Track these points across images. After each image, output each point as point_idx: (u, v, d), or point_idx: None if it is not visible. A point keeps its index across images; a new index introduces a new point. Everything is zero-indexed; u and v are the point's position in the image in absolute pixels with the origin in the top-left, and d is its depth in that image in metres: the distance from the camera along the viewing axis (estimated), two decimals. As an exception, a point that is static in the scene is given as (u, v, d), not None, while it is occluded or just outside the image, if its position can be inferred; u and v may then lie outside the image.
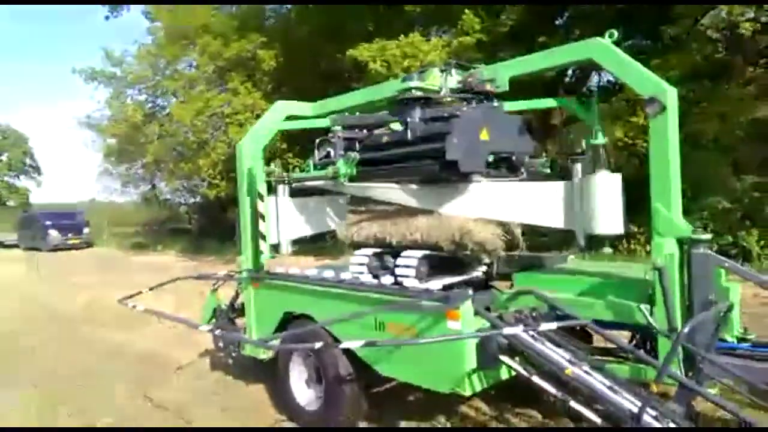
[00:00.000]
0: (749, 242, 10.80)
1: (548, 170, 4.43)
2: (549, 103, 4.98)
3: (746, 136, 12.13)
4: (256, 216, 4.94)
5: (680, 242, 3.48)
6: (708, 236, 3.44)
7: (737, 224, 11.42)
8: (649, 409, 2.92)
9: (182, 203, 29.33)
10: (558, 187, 3.93)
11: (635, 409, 2.87)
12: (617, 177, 3.74)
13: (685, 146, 11.45)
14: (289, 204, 5.23)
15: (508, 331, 3.18)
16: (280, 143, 14.47)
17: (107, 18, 20.67)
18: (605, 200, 3.66)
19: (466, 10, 11.88)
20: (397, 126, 4.41)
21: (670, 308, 3.37)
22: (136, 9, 23.96)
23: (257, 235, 4.99)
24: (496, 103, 4.24)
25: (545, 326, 3.18)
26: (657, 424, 2.89)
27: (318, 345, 3.29)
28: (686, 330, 3.08)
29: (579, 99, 4.80)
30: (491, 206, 4.11)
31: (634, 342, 4.00)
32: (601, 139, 3.87)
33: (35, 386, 5.89)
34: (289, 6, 16.03)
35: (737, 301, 3.86)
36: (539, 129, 15.39)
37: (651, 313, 3.51)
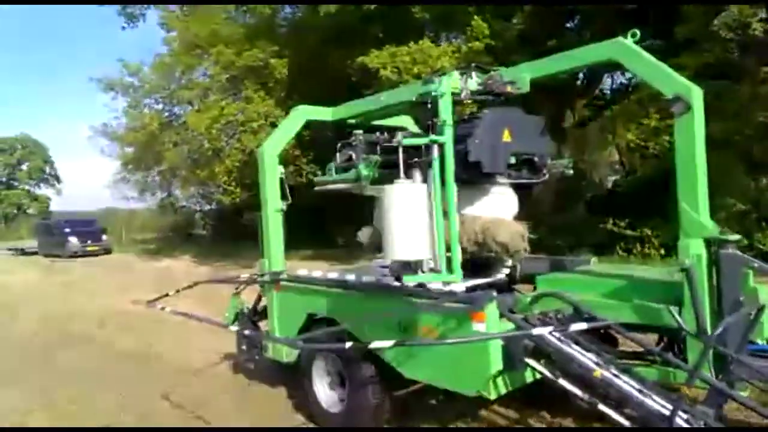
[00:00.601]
0: (766, 244, 10.65)
1: (571, 171, 4.38)
2: None
3: (761, 136, 11.98)
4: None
5: (708, 243, 3.41)
6: (736, 236, 3.37)
7: (754, 226, 11.26)
8: (680, 412, 2.85)
9: (197, 210, 29.51)
10: None
11: (666, 412, 2.79)
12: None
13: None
14: None
15: (537, 332, 3.11)
16: (292, 150, 14.50)
17: (124, 28, 20.93)
18: None
19: (476, 16, 11.87)
20: (417, 129, 4.38)
21: (699, 310, 3.28)
22: (153, 19, 24.22)
23: (279, 239, 4.99)
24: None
25: (574, 327, 3.11)
26: (689, 426, 2.82)
27: (348, 345, 3.25)
28: (718, 332, 3.01)
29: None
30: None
31: (661, 345, 3.91)
32: None
33: (59, 387, 5.90)
34: (299, 13, 16.11)
35: (766, 302, 3.78)
36: (550, 131, 15.38)
37: (680, 315, 3.44)
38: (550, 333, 3.38)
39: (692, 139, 3.43)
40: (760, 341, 3.77)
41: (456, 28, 13.28)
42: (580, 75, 14.31)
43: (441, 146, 3.53)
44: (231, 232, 23.86)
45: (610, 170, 18.88)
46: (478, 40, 11.66)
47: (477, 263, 4.24)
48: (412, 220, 3.50)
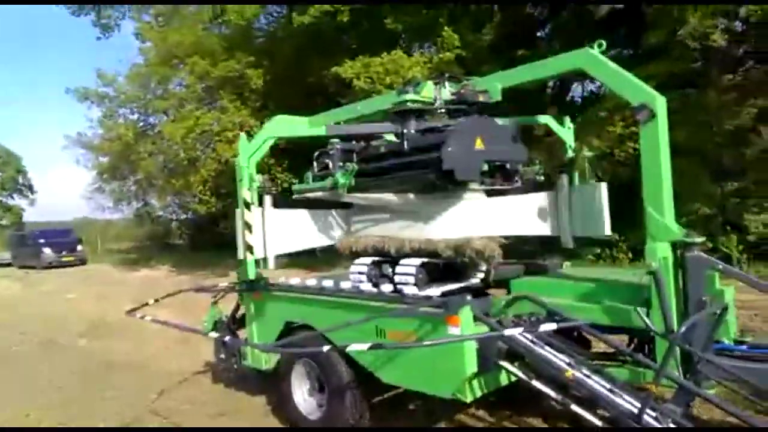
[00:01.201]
0: (730, 247, 10.91)
1: (542, 178, 4.45)
2: (531, 120, 5.30)
3: (725, 143, 12.32)
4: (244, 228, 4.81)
5: (674, 246, 3.49)
6: (701, 239, 3.45)
7: (718, 230, 11.54)
8: (649, 410, 2.89)
9: (174, 219, 29.06)
10: (545, 197, 4.25)
11: (635, 410, 2.84)
12: (603, 185, 3.99)
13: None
14: (277, 217, 4.95)
15: (509, 332, 3.14)
16: (268, 158, 14.39)
17: (99, 39, 20.62)
18: (595, 206, 3.73)
19: (446, 27, 12.01)
20: (392, 137, 4.40)
21: (666, 311, 3.35)
22: (128, 29, 23.93)
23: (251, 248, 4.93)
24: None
25: (544, 327, 3.15)
26: (657, 425, 2.87)
27: (326, 348, 3.23)
28: (682, 330, 3.07)
29: (555, 117, 5.10)
30: (484, 221, 4.20)
31: (632, 345, 3.98)
32: (587, 152, 4.04)
33: (40, 394, 5.77)
34: (275, 24, 16.10)
35: (731, 303, 3.88)
36: (523, 139, 15.59)
37: (647, 316, 3.50)
38: (522, 334, 3.42)
39: (657, 146, 3.51)
40: (726, 340, 3.88)
41: (428, 38, 13.41)
42: (551, 83, 14.57)
43: None
44: (208, 242, 23.56)
45: (582, 177, 19.27)
46: (449, 51, 11.77)
47: (451, 268, 4.27)
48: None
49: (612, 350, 3.76)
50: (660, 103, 3.52)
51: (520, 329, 3.20)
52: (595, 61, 3.79)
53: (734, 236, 10.91)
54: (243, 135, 4.99)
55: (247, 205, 4.63)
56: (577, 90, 16.43)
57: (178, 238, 30.06)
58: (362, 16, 12.77)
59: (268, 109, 15.74)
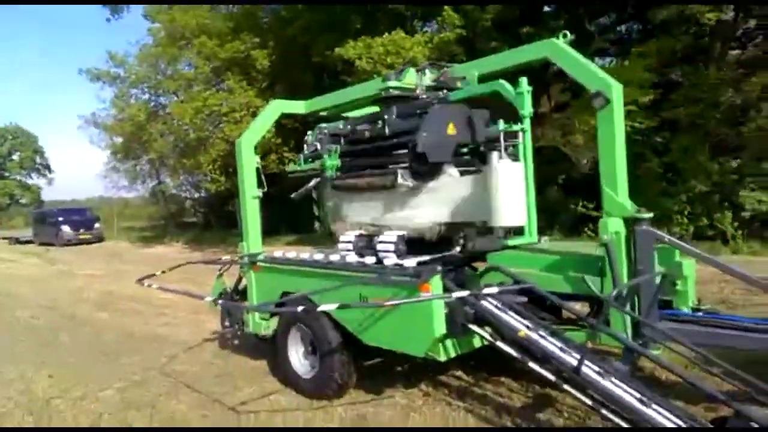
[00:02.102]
0: (724, 224, 11.14)
1: (518, 160, 4.78)
2: (482, 89, 4.54)
3: (726, 119, 12.42)
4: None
5: (626, 221, 3.86)
6: (649, 215, 3.78)
7: (716, 207, 11.74)
8: (591, 365, 3.30)
9: (187, 197, 29.76)
10: (468, 180, 4.22)
11: (575, 364, 3.26)
12: (518, 165, 4.00)
13: (664, 131, 11.88)
14: None
15: (455, 294, 3.57)
16: (274, 139, 14.80)
17: (108, 20, 21.01)
18: (506, 191, 3.88)
19: (446, 7, 12.14)
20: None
21: (617, 279, 3.73)
22: (137, 10, 24.22)
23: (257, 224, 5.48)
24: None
25: (487, 290, 3.60)
26: (599, 378, 3.27)
27: (300, 308, 3.71)
28: (613, 293, 3.47)
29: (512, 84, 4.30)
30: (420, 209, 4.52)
31: (591, 311, 4.37)
32: (514, 126, 4.03)
33: (61, 367, 6.30)
34: (279, 5, 16.29)
35: (691, 275, 4.23)
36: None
37: (601, 284, 3.89)
38: (489, 300, 3.86)
39: (612, 130, 3.82)
40: (684, 308, 4.26)
41: (430, 18, 13.56)
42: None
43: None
44: (221, 219, 24.18)
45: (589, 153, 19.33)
46: (450, 31, 11.96)
47: (430, 241, 4.67)
48: (516, 191, 3.90)
49: (574, 317, 4.17)
50: (616, 90, 3.81)
51: (467, 292, 3.62)
52: (559, 50, 4.09)
53: (729, 213, 11.12)
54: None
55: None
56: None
57: (192, 216, 30.76)
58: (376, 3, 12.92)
59: (274, 89, 16.08)
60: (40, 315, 9.42)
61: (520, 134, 4.05)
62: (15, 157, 56.79)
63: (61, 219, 26.02)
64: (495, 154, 3.99)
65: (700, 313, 4.21)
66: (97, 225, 27.25)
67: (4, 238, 29.62)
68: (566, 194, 14.97)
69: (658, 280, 3.74)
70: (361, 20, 13.47)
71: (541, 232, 4.93)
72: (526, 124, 4.08)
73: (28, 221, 33.55)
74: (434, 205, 4.48)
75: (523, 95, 4.08)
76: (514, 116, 4.14)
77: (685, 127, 12.46)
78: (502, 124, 4.01)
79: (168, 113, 18.27)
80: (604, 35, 15.53)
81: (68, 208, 30.50)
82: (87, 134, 50.45)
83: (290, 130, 14.52)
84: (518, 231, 4.29)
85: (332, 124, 5.25)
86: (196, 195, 27.89)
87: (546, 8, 15.64)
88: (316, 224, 5.79)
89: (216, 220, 24.70)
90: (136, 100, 20.46)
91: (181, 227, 28.34)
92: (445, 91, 4.68)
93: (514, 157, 4.05)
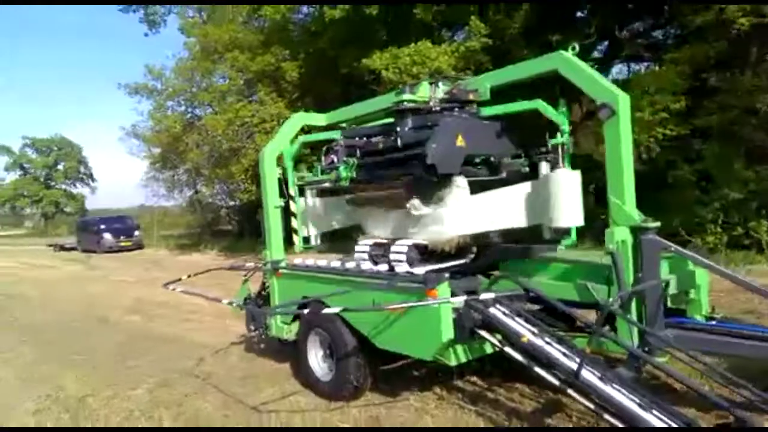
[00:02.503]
0: (760, 233, 10.87)
1: (527, 169, 4.89)
2: (522, 106, 4.85)
3: (760, 126, 12.12)
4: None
5: (633, 230, 3.93)
6: (656, 224, 3.84)
7: (752, 215, 11.46)
8: (591, 370, 3.40)
9: (222, 206, 30.51)
10: (523, 187, 4.44)
11: (575, 367, 3.35)
12: (576, 174, 4.18)
13: (696, 139, 11.63)
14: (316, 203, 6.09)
15: (455, 300, 3.75)
16: (304, 148, 15.11)
17: (146, 35, 21.93)
18: (566, 195, 4.09)
19: (473, 17, 12.22)
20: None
21: (622, 287, 3.81)
22: (173, 25, 25.16)
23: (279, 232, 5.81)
24: (474, 110, 4.76)
25: (484, 296, 3.79)
26: (598, 383, 3.36)
27: (306, 311, 3.94)
28: (611, 301, 3.55)
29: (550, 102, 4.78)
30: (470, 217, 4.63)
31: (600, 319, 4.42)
32: (560, 139, 4.27)
33: (93, 367, 6.68)
34: (309, 18, 16.71)
35: (704, 284, 4.27)
36: (548, 127, 15.63)
37: (608, 293, 3.97)
38: (498, 308, 3.99)
39: (618, 141, 3.91)
40: (697, 317, 4.30)
41: (456, 28, 13.67)
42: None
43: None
44: (255, 227, 24.68)
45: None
46: (476, 40, 12.04)
47: (445, 250, 4.82)
48: (575, 195, 4.15)
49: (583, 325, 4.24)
50: (623, 102, 3.91)
51: (464, 298, 3.77)
52: (567, 62, 4.21)
53: (765, 222, 10.85)
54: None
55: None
56: (612, 72, 16.30)
57: (227, 224, 31.51)
58: (391, 9, 13.16)
59: (303, 100, 16.46)
60: (75, 318, 9.93)
61: (560, 147, 4.29)
62: (60, 167, 59.30)
63: (102, 227, 27.10)
64: (545, 164, 4.33)
65: (714, 322, 4.25)
66: (137, 233, 28.24)
67: (49, 245, 30.96)
68: (596, 203, 14.85)
69: (663, 288, 3.79)
70: (388, 31, 13.71)
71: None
72: (566, 138, 4.33)
73: (71, 229, 34.97)
74: (452, 215, 4.62)
75: (564, 114, 4.38)
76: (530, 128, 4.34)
77: (719, 133, 12.22)
78: (561, 137, 4.29)
79: (203, 124, 18.91)
80: (637, 40, 15.36)
81: (109, 216, 31.71)
82: (127, 145, 52.16)
83: (321, 141, 14.86)
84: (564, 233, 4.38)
85: (351, 130, 5.49)
86: (231, 203, 28.59)
87: (579, 13, 15.52)
88: (294, 237, 6.03)
89: (249, 228, 25.25)
90: (172, 112, 21.22)
91: (217, 235, 29.06)
92: (474, 105, 4.83)
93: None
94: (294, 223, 5.96)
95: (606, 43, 16.26)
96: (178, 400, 5.22)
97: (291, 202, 5.88)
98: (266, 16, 15.99)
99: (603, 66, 15.36)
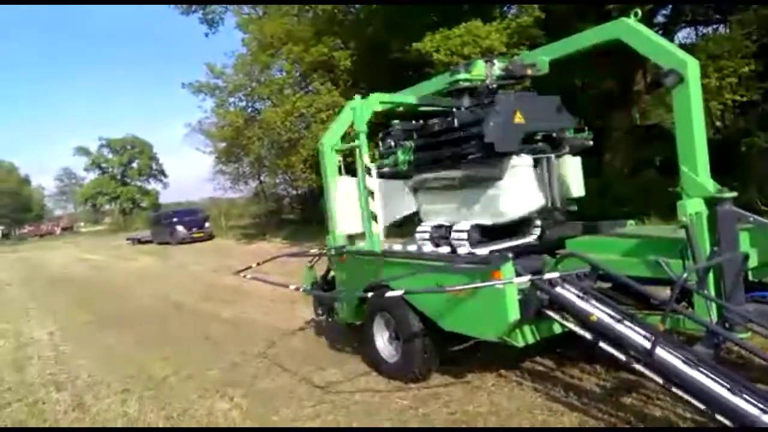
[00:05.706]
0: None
1: (590, 143, 4.70)
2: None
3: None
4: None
5: (707, 201, 3.69)
6: (732, 194, 3.60)
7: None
8: (668, 348, 3.23)
9: (285, 195, 31.21)
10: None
11: (648, 345, 3.19)
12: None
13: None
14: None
15: (517, 280, 3.65)
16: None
17: (207, 35, 22.52)
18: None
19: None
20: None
21: (698, 261, 3.60)
22: (231, 22, 25.69)
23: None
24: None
25: (549, 275, 3.62)
26: (676, 362, 3.19)
27: (370, 295, 3.99)
28: (684, 276, 3.34)
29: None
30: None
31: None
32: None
33: (173, 343, 7.06)
34: (357, 6, 16.60)
35: None
36: (620, 98, 14.86)
37: (684, 267, 3.75)
38: (567, 288, 3.86)
39: (688, 108, 3.67)
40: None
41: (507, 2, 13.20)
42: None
43: None
44: (317, 215, 25.12)
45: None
46: (528, 15, 11.59)
47: (507, 229, 4.71)
48: None
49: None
50: (692, 67, 3.67)
51: (528, 276, 3.68)
52: (630, 30, 3.98)
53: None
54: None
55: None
56: (679, 35, 15.34)
57: (290, 212, 32.24)
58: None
59: (357, 88, 16.46)
60: (157, 304, 10.48)
61: None
62: (134, 165, 62.52)
63: (175, 220, 28.33)
64: None
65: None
66: (207, 224, 29.36)
67: (127, 239, 32.76)
68: (663, 175, 14.09)
69: (742, 260, 3.54)
70: (437, 13, 13.42)
71: (634, 216, 4.79)
72: None
73: (147, 223, 36.93)
74: (513, 194, 4.51)
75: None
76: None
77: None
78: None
79: (263, 118, 19.28)
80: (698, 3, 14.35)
81: (181, 209, 33.18)
82: (193, 141, 54.23)
83: (378, 125, 14.87)
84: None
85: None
86: (293, 192, 29.19)
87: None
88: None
89: (313, 216, 25.71)
90: (234, 108, 21.76)
91: (281, 224, 29.82)
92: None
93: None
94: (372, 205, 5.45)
95: (670, 7, 15.28)
96: (248, 381, 5.44)
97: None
98: (316, 8, 16.04)
99: (667, 32, 14.47)
